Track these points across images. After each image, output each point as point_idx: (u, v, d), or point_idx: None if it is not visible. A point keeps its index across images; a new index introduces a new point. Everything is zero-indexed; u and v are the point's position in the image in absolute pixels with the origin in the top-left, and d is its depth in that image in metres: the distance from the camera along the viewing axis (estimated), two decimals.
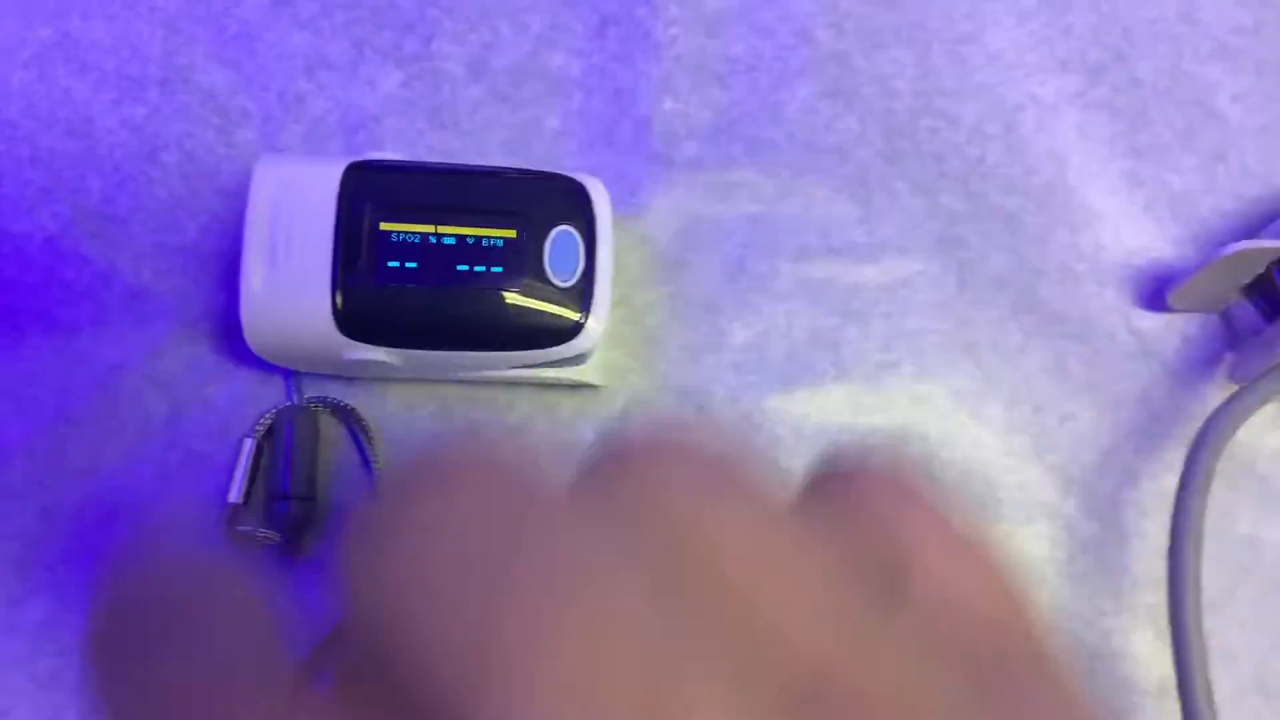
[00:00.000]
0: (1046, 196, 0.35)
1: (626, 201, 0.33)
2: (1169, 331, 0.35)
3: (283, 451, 0.30)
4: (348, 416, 0.31)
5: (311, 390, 0.31)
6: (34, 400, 0.31)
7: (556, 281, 0.28)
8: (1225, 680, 0.32)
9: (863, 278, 0.33)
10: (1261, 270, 0.34)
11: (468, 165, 0.29)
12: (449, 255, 0.28)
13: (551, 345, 0.28)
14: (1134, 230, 0.35)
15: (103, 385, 0.31)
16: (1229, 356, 0.35)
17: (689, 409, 0.32)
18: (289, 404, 0.31)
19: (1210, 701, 0.30)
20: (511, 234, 0.28)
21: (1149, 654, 0.31)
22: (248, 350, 0.31)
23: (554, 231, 0.28)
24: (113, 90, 0.33)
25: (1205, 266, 0.33)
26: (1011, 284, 0.34)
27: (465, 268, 0.28)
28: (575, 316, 0.28)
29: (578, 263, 0.28)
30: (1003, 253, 0.34)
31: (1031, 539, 0.32)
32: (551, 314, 0.28)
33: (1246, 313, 0.35)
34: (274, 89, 0.34)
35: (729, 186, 0.34)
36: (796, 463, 0.33)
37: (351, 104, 0.34)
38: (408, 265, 0.28)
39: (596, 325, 0.29)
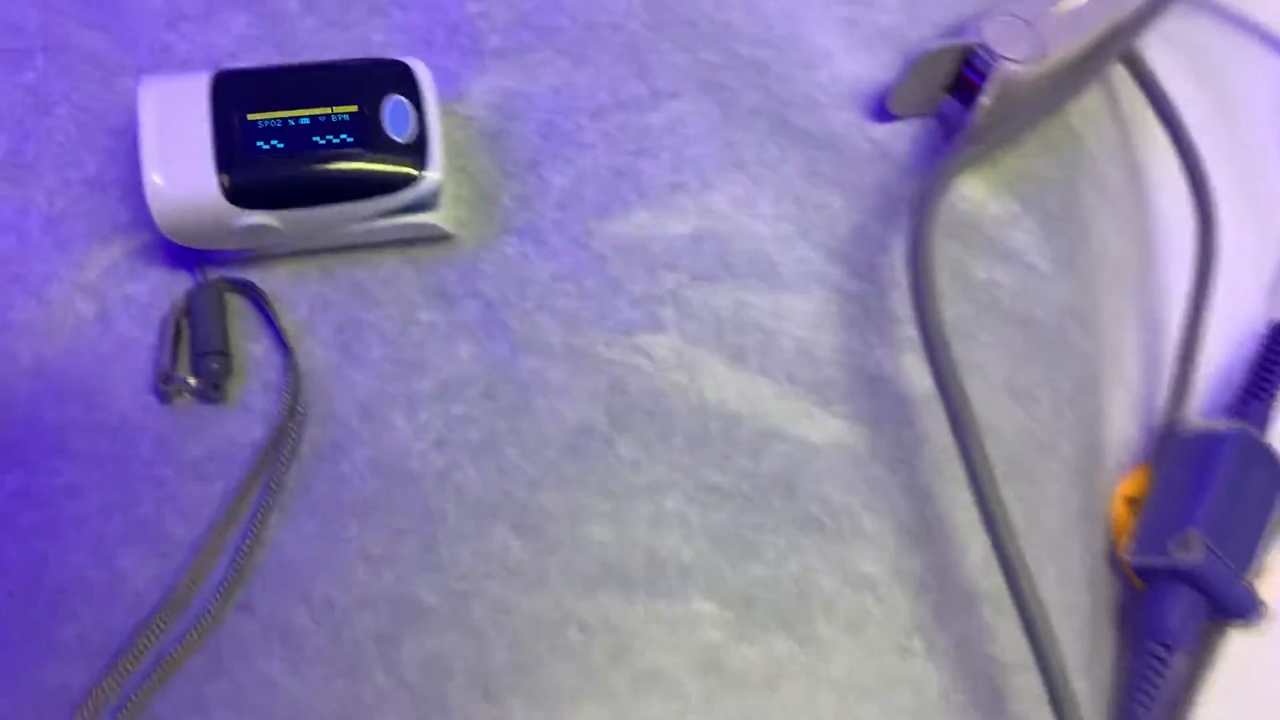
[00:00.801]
0: (785, 44, 0.44)
1: (451, 90, 0.41)
2: (898, 136, 0.44)
3: (199, 320, 0.37)
4: (248, 288, 0.38)
5: (214, 276, 0.38)
6: None
7: (396, 139, 0.36)
8: (980, 387, 0.41)
9: (648, 121, 0.42)
10: (954, 69, 0.43)
11: (311, 62, 0.37)
12: (307, 132, 0.35)
13: (400, 190, 0.36)
14: (856, 62, 0.44)
15: (37, 296, 0.37)
16: (945, 147, 0.44)
17: (528, 244, 0.40)
18: (198, 284, 0.37)
19: (965, 401, 0.38)
20: (354, 109, 0.36)
21: (915, 373, 0.40)
22: (156, 254, 0.38)
23: (388, 101, 0.36)
24: (2, 63, 0.40)
25: (908, 70, 0.42)
26: (766, 113, 0.43)
27: (320, 139, 0.35)
28: (416, 165, 0.36)
29: (410, 123, 0.36)
30: (756, 90, 0.43)
31: (810, 300, 0.40)
32: (396, 166, 0.36)
33: (953, 107, 0.44)
34: (143, 43, 0.41)
35: (531, 66, 0.42)
36: (618, 271, 0.41)
37: (210, 45, 0.41)
38: (274, 144, 0.35)
39: (435, 171, 0.36)
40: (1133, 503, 0.43)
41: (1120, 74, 0.49)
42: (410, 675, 0.34)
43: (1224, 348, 0.46)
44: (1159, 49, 0.51)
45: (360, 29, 0.41)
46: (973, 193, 0.44)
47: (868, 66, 0.44)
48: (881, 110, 0.44)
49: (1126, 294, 0.47)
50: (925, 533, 0.38)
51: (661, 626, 0.35)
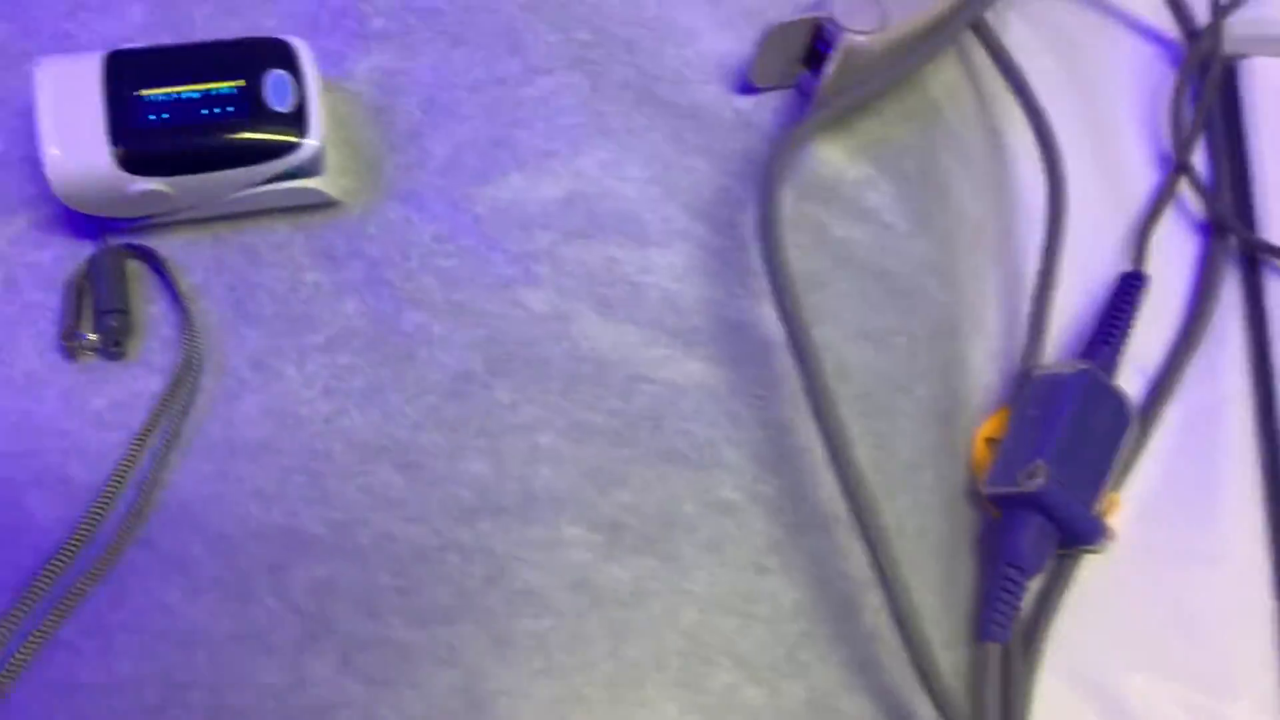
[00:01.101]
0: (654, 24, 0.48)
1: (337, 69, 0.44)
2: (761, 108, 0.48)
3: (100, 282, 0.40)
4: (146, 253, 0.41)
5: (114, 242, 0.41)
6: None
7: (278, 110, 0.39)
8: (835, 332, 0.44)
9: (523, 95, 0.45)
10: (807, 42, 0.46)
11: (198, 41, 0.40)
12: (194, 104, 0.38)
13: (282, 156, 0.39)
14: (721, 40, 0.48)
15: None
16: (803, 116, 0.48)
17: (410, 209, 0.43)
18: (98, 249, 0.40)
19: (810, 347, 0.41)
20: (240, 83, 0.39)
21: (771, 320, 0.43)
22: (59, 225, 0.41)
23: (269, 75, 0.39)
24: None
25: (762, 44, 0.45)
26: (634, 87, 0.46)
27: (207, 111, 0.38)
28: (296, 133, 0.39)
29: (291, 95, 0.39)
30: (625, 67, 0.46)
31: (674, 254, 0.44)
32: (278, 134, 0.39)
33: (807, 79, 0.47)
34: (45, 32, 0.43)
35: (411, 46, 0.45)
36: (496, 232, 0.44)
37: (109, 33, 0.44)
38: (164, 116, 0.38)
39: (314, 139, 0.39)
40: (992, 442, 0.46)
41: (978, 47, 0.53)
42: (299, 599, 0.37)
43: (1078, 298, 0.50)
44: (1018, 25, 0.55)
45: (252, 15, 0.44)
46: (833, 158, 0.47)
47: (732, 44, 0.48)
48: (745, 84, 0.47)
49: (985, 252, 0.50)
50: (781, 462, 0.41)
51: (535, 550, 0.38)
